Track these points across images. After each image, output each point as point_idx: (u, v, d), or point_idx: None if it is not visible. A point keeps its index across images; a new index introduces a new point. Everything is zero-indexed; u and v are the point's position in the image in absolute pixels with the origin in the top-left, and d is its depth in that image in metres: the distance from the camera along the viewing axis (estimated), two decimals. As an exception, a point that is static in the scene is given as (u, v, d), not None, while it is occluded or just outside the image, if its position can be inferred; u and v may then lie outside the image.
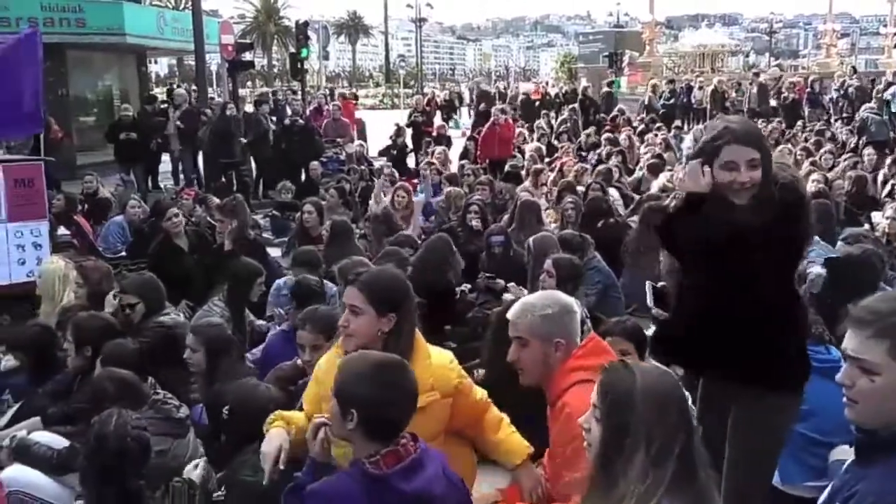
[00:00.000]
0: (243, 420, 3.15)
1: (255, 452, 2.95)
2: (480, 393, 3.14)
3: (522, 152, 13.70)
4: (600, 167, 10.57)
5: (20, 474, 3.78)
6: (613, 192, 9.21)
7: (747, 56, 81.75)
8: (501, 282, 6.29)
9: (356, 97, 28.53)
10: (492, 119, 14.04)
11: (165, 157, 15.07)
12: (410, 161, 15.68)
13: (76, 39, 15.95)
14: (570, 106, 19.81)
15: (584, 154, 13.77)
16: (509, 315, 3.00)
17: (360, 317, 2.74)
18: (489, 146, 13.62)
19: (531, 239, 6.02)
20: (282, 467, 2.62)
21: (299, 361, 3.98)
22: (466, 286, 6.16)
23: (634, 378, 2.07)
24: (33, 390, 4.33)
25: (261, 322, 5.66)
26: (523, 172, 11.25)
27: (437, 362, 2.91)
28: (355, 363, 2.45)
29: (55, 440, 3.83)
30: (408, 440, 2.39)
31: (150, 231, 8.15)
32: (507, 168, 11.67)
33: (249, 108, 15.97)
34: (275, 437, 2.72)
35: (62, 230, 8.18)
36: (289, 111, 15.91)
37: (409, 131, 16.93)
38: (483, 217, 7.65)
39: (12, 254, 6.67)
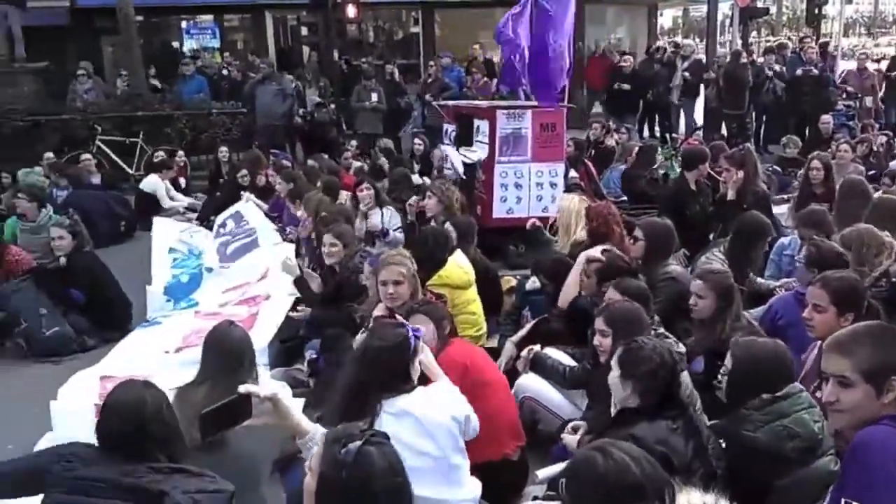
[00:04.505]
0: (751, 377, 3.01)
1: (757, 409, 2.89)
2: None
3: None
4: None
5: (531, 383, 4.29)
6: None
7: None
8: None
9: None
10: None
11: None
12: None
13: (596, -7, 16.91)
14: None
15: None
16: None
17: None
18: None
19: None
20: None
21: None
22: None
23: None
24: (549, 310, 4.84)
25: (760, 280, 5.44)
26: None
27: None
28: (862, 331, 2.41)
29: (566, 358, 4.25)
30: None
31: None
32: None
33: (759, 59, 15.09)
34: None
35: (572, 173, 8.88)
36: (802, 59, 14.65)
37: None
38: None
39: (532, 190, 7.58)
